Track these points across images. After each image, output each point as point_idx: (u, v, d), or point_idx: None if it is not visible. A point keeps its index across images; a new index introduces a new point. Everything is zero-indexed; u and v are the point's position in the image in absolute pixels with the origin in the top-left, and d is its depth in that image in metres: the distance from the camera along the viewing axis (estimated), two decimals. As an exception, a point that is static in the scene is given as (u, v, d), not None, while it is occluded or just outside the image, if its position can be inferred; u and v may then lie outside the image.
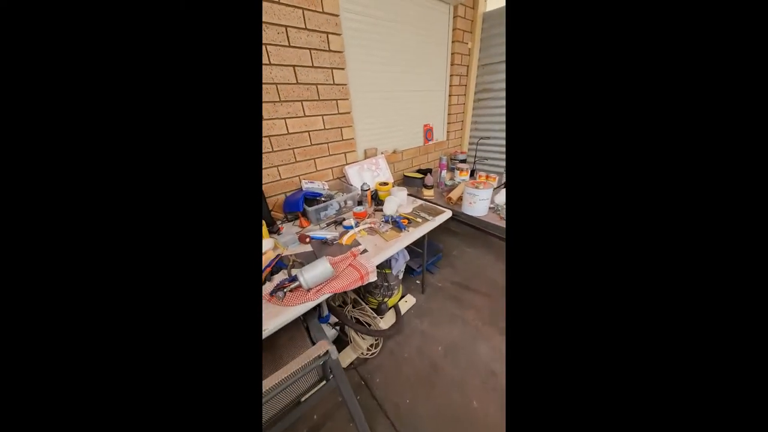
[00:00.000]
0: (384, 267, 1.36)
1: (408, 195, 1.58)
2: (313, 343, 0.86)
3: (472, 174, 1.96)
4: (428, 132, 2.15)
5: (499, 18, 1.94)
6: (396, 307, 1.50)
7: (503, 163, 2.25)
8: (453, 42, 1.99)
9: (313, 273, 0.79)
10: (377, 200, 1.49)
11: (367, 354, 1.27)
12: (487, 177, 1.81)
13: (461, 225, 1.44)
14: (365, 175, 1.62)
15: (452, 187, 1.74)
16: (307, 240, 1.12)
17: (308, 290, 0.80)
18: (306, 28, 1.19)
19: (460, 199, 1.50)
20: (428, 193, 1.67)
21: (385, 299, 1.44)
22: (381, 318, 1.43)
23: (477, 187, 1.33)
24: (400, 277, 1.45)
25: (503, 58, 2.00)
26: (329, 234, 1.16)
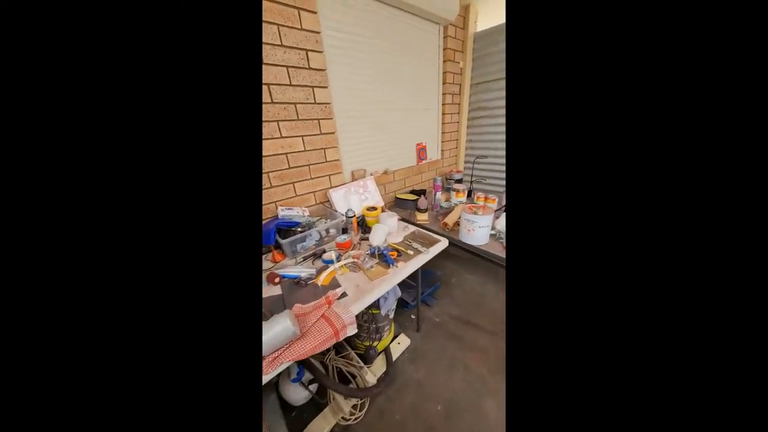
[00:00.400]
0: (371, 306, 1.17)
1: (400, 220, 1.43)
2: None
3: (470, 194, 1.83)
4: (421, 151, 2.04)
5: (490, 38, 1.91)
6: (387, 351, 1.29)
7: (503, 183, 2.13)
8: (444, 61, 1.94)
9: (267, 337, 0.61)
10: (364, 227, 1.33)
11: (350, 418, 1.04)
12: (486, 198, 1.67)
13: (460, 248, 1.27)
14: (352, 198, 1.48)
15: (448, 210, 1.59)
16: (277, 281, 0.95)
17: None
18: (282, 45, 1.09)
19: (457, 224, 1.34)
20: (422, 217, 1.51)
21: (374, 343, 1.23)
22: (369, 367, 1.22)
23: (476, 213, 1.18)
24: (391, 315, 1.26)
25: (497, 76, 1.95)
26: (304, 271, 0.99)
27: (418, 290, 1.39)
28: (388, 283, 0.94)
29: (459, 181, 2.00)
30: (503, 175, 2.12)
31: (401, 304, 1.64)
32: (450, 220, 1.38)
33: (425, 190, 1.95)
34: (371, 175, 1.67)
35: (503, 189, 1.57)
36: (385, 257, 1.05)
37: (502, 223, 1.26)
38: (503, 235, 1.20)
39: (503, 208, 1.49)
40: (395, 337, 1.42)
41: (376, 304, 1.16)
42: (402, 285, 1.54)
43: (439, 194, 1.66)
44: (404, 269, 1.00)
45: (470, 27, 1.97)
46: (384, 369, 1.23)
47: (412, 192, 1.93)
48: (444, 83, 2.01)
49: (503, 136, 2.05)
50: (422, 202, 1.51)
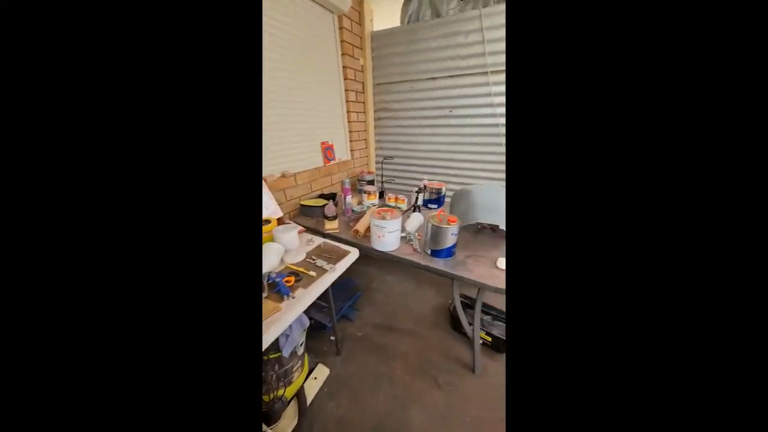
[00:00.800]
0: (269, 350, 0.91)
1: (303, 232, 1.21)
2: None
3: (382, 196, 1.80)
4: (327, 150, 1.86)
5: (388, 39, 1.92)
6: (299, 396, 1.06)
7: (412, 182, 2.21)
8: (343, 54, 1.82)
9: None
10: (254, 248, 1.04)
11: None
12: (396, 199, 1.67)
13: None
14: (236, 211, 1.14)
15: (360, 215, 1.48)
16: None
17: None
18: None
19: (369, 230, 1.24)
20: (331, 225, 1.34)
21: (280, 392, 0.98)
22: (273, 429, 0.96)
23: (384, 218, 1.11)
24: (300, 351, 1.03)
25: (398, 78, 1.98)
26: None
27: (332, 312, 1.22)
28: (282, 321, 0.72)
29: (371, 182, 1.94)
30: (412, 175, 2.21)
31: (317, 327, 1.43)
32: (361, 226, 1.27)
33: (335, 194, 1.78)
34: (263, 180, 1.36)
35: (412, 189, 1.61)
36: (278, 286, 0.82)
37: (412, 224, 1.24)
38: (413, 238, 1.19)
39: (413, 209, 1.51)
40: (310, 372, 1.20)
41: (274, 347, 0.91)
42: (314, 306, 1.32)
43: (349, 198, 1.53)
44: (304, 298, 0.81)
45: (366, 24, 1.93)
46: (295, 421, 0.99)
47: (321, 196, 1.73)
48: (345, 79, 1.89)
49: (409, 138, 2.12)
50: (330, 209, 1.33)
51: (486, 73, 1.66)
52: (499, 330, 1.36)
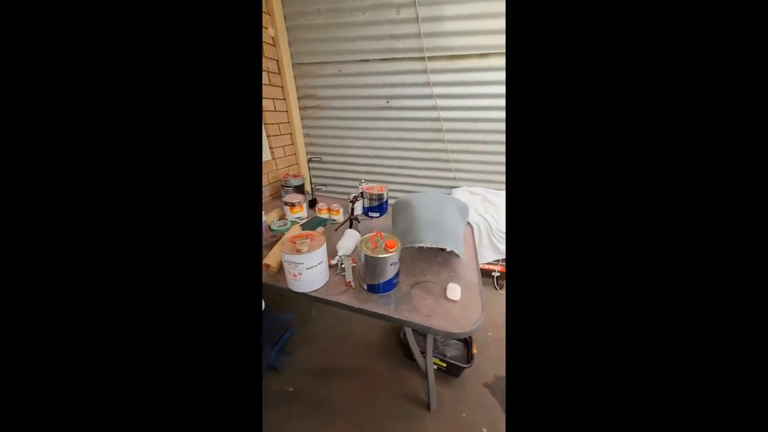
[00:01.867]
0: None
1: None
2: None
3: (312, 205, 1.46)
4: (232, 150, 1.40)
5: (302, 5, 1.52)
6: None
7: (351, 187, 1.92)
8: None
9: None
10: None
11: None
12: (330, 209, 1.36)
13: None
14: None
15: (277, 239, 1.12)
16: None
17: None
18: None
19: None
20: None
21: None
22: None
23: (299, 250, 0.79)
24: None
25: (323, 58, 1.62)
26: None
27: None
28: None
29: (299, 188, 1.57)
30: (349, 177, 1.91)
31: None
32: (272, 259, 0.92)
33: (249, 207, 1.37)
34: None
35: (348, 196, 1.33)
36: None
37: (346, 245, 0.96)
38: (346, 264, 0.91)
39: (349, 221, 1.22)
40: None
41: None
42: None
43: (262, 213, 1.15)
44: None
45: (274, -17, 1.49)
46: None
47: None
48: (250, 54, 1.43)
49: (342, 132, 1.80)
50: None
51: (423, 58, 1.45)
52: (453, 350, 1.22)
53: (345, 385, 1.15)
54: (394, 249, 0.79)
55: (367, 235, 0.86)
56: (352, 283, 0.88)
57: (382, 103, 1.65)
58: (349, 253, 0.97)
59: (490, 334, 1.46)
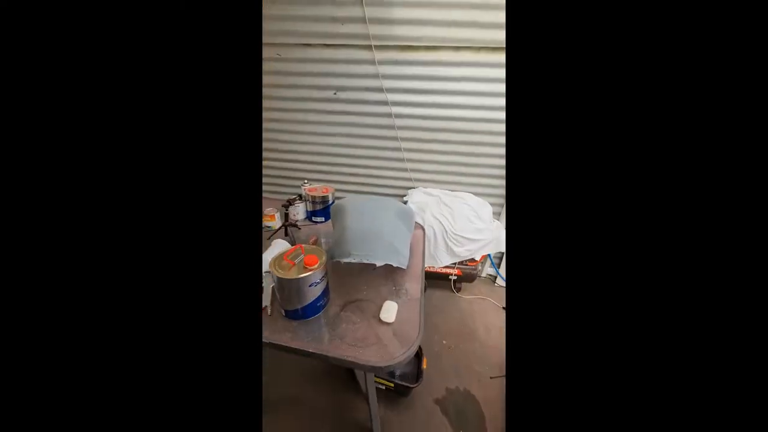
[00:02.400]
0: None
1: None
2: None
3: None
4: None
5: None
6: None
7: (291, 187, 1.72)
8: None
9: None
10: None
11: None
12: (266, 216, 1.17)
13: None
14: None
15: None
16: None
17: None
18: None
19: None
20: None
21: None
22: None
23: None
24: None
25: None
26: None
27: None
28: None
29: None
30: (290, 179, 1.72)
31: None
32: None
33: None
34: None
35: (293, 197, 1.16)
36: None
37: (271, 258, 0.79)
38: (265, 284, 0.74)
39: (283, 228, 1.05)
40: None
41: None
42: None
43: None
44: None
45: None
46: None
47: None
48: None
49: (285, 125, 1.60)
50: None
51: (370, 47, 1.32)
52: (403, 369, 1.12)
53: (277, 422, 0.98)
54: (315, 266, 0.65)
55: (281, 251, 0.70)
56: (269, 308, 0.72)
57: (329, 94, 1.48)
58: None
59: (444, 342, 1.39)
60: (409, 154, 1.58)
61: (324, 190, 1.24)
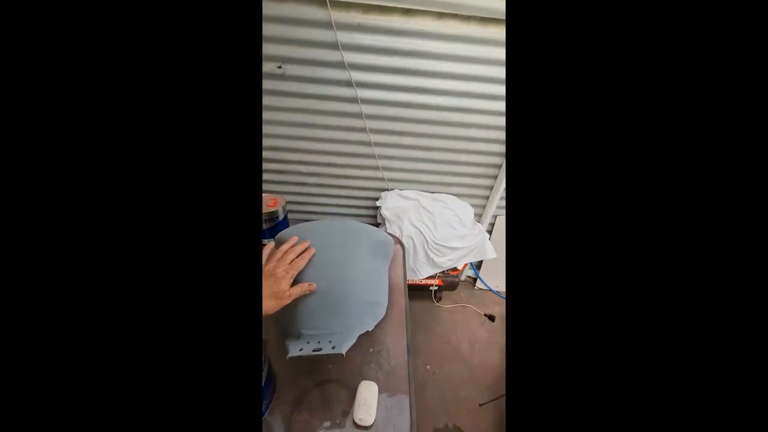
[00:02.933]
0: None
1: None
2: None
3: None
4: None
5: None
6: None
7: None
8: None
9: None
10: None
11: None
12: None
13: None
14: None
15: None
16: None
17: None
18: None
19: None
20: None
21: None
22: None
23: None
24: None
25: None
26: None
27: None
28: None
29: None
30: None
31: None
32: None
33: None
34: None
35: None
36: None
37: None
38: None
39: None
40: None
41: None
42: None
43: None
44: None
45: None
46: None
47: None
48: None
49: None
50: None
51: (325, 3, 0.96)
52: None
53: None
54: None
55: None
56: None
57: (272, 68, 1.09)
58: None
59: (428, 367, 1.25)
60: (382, 150, 1.29)
61: (271, 203, 0.92)
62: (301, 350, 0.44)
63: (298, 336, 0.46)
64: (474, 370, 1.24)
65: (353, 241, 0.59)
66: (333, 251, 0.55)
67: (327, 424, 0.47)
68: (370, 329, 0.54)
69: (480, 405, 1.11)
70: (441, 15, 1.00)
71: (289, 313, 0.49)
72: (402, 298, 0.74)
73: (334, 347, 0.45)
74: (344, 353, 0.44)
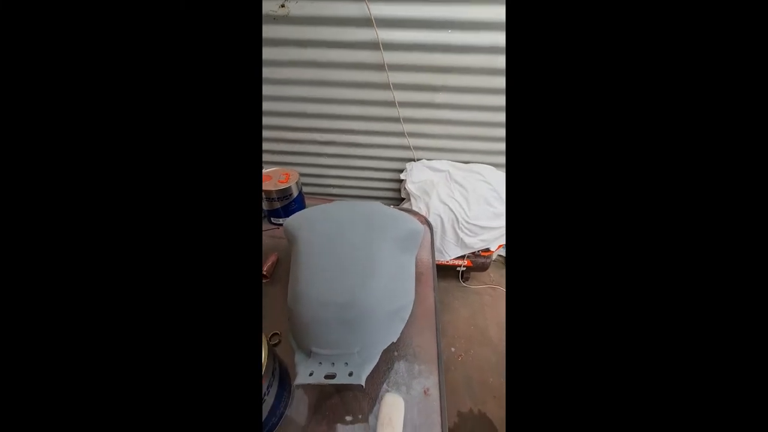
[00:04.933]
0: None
1: None
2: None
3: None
4: None
5: None
6: None
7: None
8: None
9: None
10: None
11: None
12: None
13: None
14: None
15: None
16: None
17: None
18: None
19: None
20: None
21: None
22: None
23: None
24: None
25: None
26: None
27: None
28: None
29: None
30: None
31: None
32: None
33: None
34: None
35: None
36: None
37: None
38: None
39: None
40: None
41: None
42: None
43: None
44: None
45: None
46: None
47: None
48: None
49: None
50: None
51: None
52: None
53: None
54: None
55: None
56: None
57: (273, 7, 0.88)
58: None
59: (453, 349, 1.20)
60: (408, 111, 1.08)
61: (283, 178, 0.81)
62: (311, 375, 0.35)
63: (308, 354, 0.38)
64: (501, 356, 1.17)
65: (378, 234, 0.47)
66: (354, 248, 0.43)
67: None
68: (395, 340, 0.44)
69: (508, 392, 1.07)
70: None
71: (299, 323, 0.40)
72: (430, 292, 0.63)
73: (351, 373, 0.35)
74: (364, 383, 0.35)
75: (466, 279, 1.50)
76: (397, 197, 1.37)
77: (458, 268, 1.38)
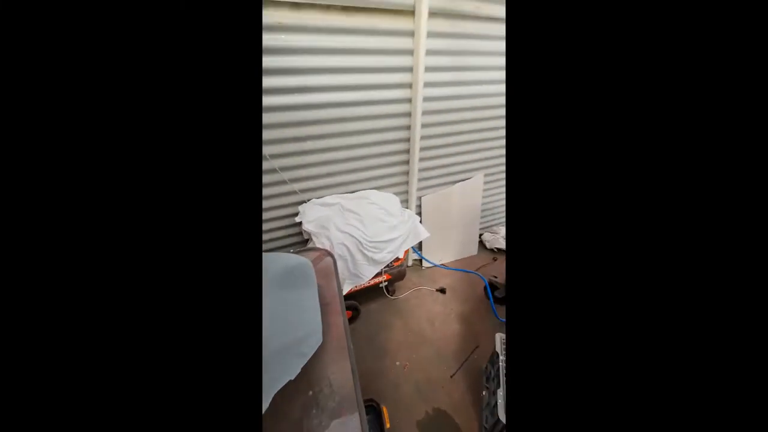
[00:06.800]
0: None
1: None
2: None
3: None
4: None
5: None
6: None
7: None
8: None
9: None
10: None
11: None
12: None
13: None
14: None
15: None
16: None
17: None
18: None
19: None
20: None
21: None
22: None
23: None
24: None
25: None
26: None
27: None
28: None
29: None
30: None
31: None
32: None
33: None
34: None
35: None
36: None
37: None
38: None
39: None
40: None
41: None
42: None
43: None
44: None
45: None
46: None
47: None
48: None
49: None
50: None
51: None
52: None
53: None
54: None
55: None
56: None
57: None
58: None
59: (398, 363, 1.23)
60: (284, 161, 1.17)
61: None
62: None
63: None
64: (439, 346, 1.29)
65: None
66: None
67: None
68: (293, 378, 0.45)
69: (451, 377, 1.16)
70: (328, 8, 0.93)
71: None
72: (338, 318, 0.67)
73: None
74: None
75: (392, 292, 1.60)
76: (301, 240, 1.38)
77: (381, 285, 1.47)
